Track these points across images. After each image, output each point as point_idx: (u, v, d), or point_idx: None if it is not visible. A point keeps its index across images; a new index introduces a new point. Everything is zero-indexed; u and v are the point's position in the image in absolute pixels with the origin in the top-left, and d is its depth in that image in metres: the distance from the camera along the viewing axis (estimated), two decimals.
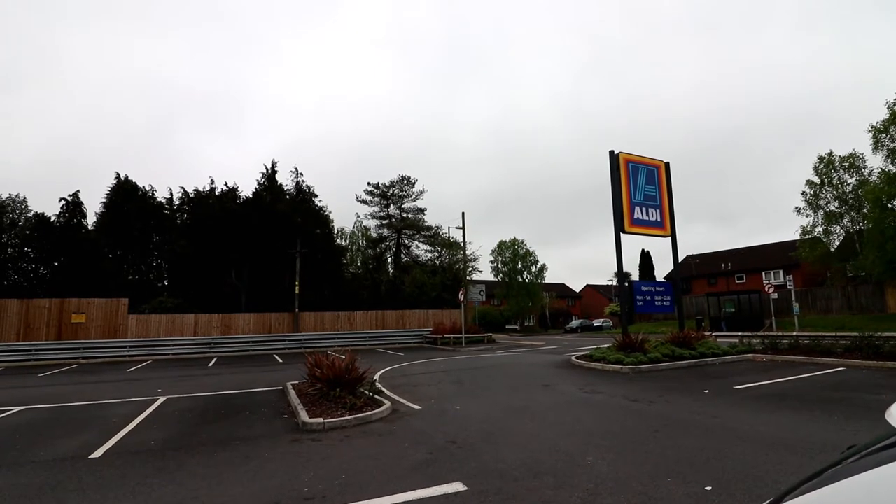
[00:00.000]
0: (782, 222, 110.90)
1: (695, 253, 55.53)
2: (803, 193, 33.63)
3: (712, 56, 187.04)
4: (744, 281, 46.81)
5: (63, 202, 32.54)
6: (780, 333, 19.11)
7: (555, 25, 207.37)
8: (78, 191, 33.04)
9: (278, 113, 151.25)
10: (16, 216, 31.84)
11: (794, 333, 18.73)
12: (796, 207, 34.13)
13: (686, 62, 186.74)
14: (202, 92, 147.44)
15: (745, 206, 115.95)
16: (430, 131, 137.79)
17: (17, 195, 32.34)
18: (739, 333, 21.16)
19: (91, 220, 33.21)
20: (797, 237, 35.12)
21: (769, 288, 27.60)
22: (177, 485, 4.97)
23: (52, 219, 31.77)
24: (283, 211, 32.93)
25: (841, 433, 6.14)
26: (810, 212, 33.52)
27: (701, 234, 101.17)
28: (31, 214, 32.02)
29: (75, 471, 5.56)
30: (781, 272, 41.26)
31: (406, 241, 47.12)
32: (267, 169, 36.36)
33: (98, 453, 6.29)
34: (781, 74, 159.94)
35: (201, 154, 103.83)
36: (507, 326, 50.38)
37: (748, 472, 4.70)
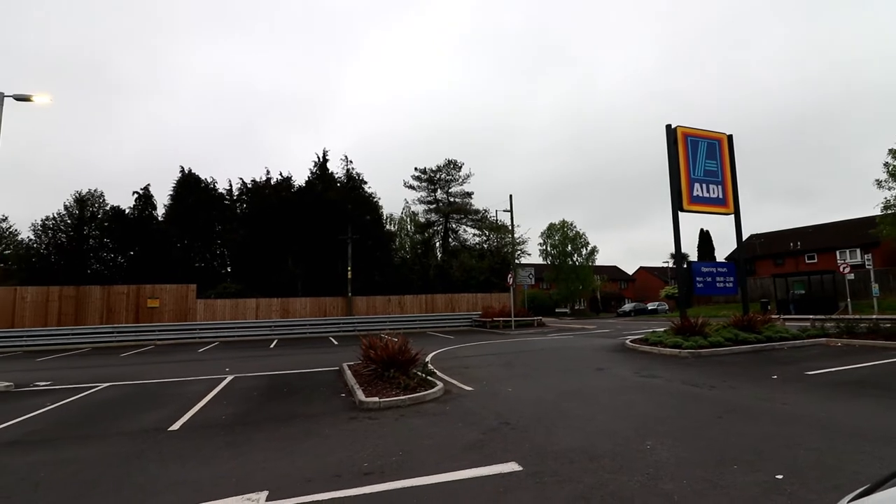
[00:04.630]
0: (867, 198, 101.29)
1: (760, 232, 52.22)
2: (886, 164, 30.68)
3: (802, 26, 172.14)
4: (815, 261, 43.61)
5: (136, 195, 34.97)
6: (856, 316, 17.70)
7: (635, 10, 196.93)
8: (148, 184, 35.37)
9: (352, 109, 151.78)
10: (95, 209, 34.45)
11: (874, 316, 17.27)
12: (876, 180, 31.14)
13: (773, 36, 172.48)
14: (282, 92, 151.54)
15: (828, 182, 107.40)
16: (501, 119, 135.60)
17: (95, 190, 34.95)
18: (811, 316, 19.80)
19: (161, 211, 35.53)
20: (877, 213, 32.18)
21: (844, 268, 25.58)
22: (246, 457, 5.29)
23: (127, 211, 34.22)
24: (333, 199, 33.78)
25: None
26: (893, 184, 30.55)
27: (775, 213, 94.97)
28: (108, 208, 34.55)
29: (156, 442, 6.05)
30: (858, 251, 38.16)
31: (454, 226, 47.25)
32: (318, 158, 37.37)
33: (176, 426, 6.80)
34: (879, 41, 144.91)
35: (279, 151, 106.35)
36: (556, 310, 49.66)
37: (824, 462, 4.43)
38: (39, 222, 32.73)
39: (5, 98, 12.37)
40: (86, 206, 34.13)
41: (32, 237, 33.01)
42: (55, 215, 33.12)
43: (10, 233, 41.51)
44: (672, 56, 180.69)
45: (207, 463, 5.14)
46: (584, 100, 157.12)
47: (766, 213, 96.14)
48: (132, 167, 79.78)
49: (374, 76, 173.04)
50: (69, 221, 33.27)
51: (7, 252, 37.20)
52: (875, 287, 24.76)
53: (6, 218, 42.25)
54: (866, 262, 26.07)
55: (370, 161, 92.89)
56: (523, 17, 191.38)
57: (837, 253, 39.50)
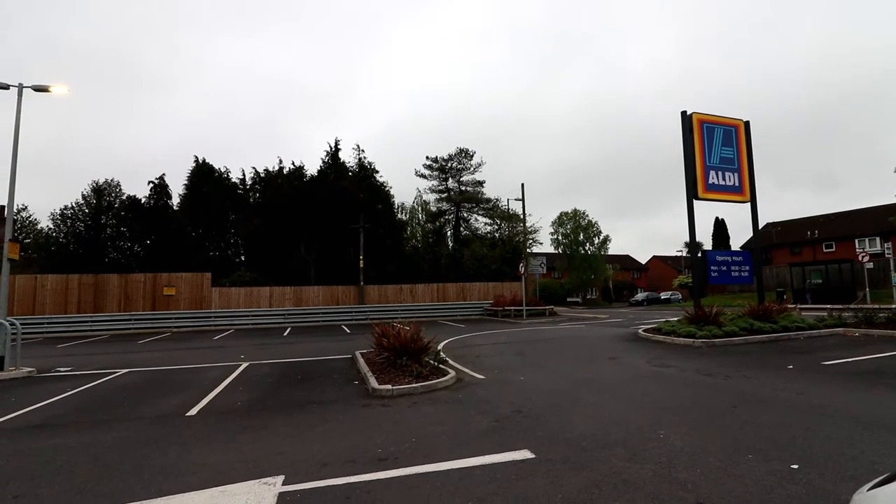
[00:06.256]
0: (890, 185, 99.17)
1: (777, 220, 51.29)
2: None
3: (828, 8, 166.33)
4: (833, 249, 42.76)
5: (151, 185, 35.41)
6: (875, 306, 17.34)
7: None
8: (163, 174, 35.85)
9: (369, 101, 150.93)
10: (112, 199, 34.96)
11: (893, 306, 16.92)
12: None
13: (798, 23, 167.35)
14: (300, 85, 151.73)
15: (853, 170, 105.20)
16: (516, 110, 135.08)
17: (111, 179, 35.46)
18: (828, 306, 19.44)
19: (175, 200, 35.93)
20: None
21: (863, 257, 25.07)
22: (262, 441, 5.39)
23: (143, 200, 34.68)
24: (345, 187, 33.87)
25: None
26: None
27: (797, 202, 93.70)
28: (124, 197, 35.06)
29: (175, 427, 6.18)
30: (878, 239, 37.27)
31: (465, 215, 47.11)
32: (331, 147, 37.42)
33: (193, 411, 6.94)
34: None
35: (296, 143, 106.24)
36: (568, 299, 49.47)
37: (841, 452, 4.38)
38: (58, 211, 33.38)
39: (24, 88, 12.54)
40: (103, 195, 34.68)
41: (51, 226, 33.69)
42: (73, 205, 33.73)
43: (30, 222, 42.38)
44: (692, 44, 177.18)
45: (225, 447, 5.24)
46: (600, 90, 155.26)
47: (787, 201, 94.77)
48: (149, 158, 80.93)
49: (392, 69, 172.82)
50: (87, 211, 33.83)
51: (27, 241, 37.96)
52: (895, 276, 24.23)
53: (26, 207, 43.15)
54: (886, 251, 25.49)
55: (384, 152, 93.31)
56: (542, 9, 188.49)
57: (856, 241, 38.56)
